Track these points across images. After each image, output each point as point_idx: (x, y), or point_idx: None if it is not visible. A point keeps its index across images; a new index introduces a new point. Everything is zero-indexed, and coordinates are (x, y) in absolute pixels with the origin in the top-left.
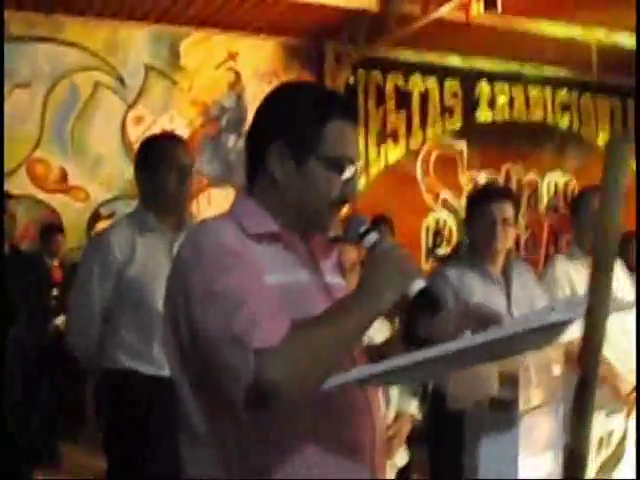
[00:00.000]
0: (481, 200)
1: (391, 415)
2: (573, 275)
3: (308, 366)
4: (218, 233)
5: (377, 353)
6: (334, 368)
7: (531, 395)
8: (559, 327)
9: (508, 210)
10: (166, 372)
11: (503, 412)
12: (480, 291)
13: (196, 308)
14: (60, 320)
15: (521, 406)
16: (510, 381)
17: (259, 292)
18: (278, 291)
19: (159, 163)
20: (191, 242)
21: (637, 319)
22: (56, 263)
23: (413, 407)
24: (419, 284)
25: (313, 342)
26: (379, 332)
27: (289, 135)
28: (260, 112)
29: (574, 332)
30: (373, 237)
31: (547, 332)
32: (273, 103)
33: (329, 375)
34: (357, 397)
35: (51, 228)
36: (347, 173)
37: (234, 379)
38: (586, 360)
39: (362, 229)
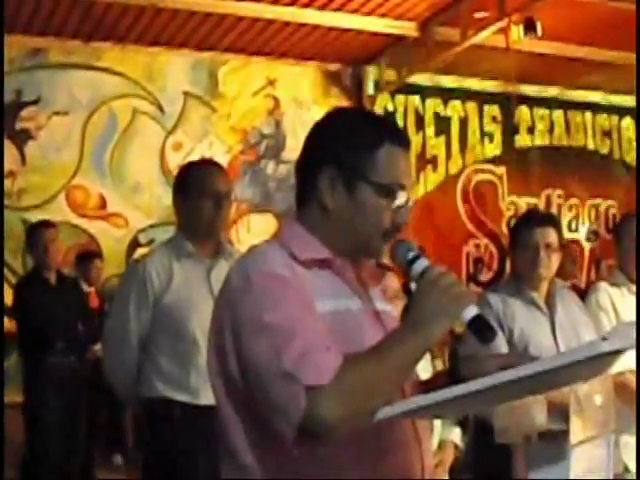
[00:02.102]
0: (524, 226)
1: (434, 444)
2: (617, 301)
3: (360, 402)
4: (267, 261)
5: (422, 390)
6: (385, 401)
7: (581, 426)
8: (610, 357)
9: (551, 236)
10: (203, 400)
11: (553, 443)
12: (524, 318)
13: (245, 340)
14: (97, 347)
15: (573, 437)
16: (560, 412)
17: (310, 323)
18: (329, 319)
19: (196, 190)
20: (240, 270)
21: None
22: (92, 290)
23: (456, 436)
24: (472, 311)
25: (366, 377)
26: (423, 370)
27: (340, 161)
28: (311, 137)
29: (625, 363)
30: (422, 263)
31: (598, 362)
32: (324, 128)
33: (380, 408)
34: (406, 429)
35: (88, 255)
36: (399, 200)
37: (284, 416)
38: None
39: (410, 255)
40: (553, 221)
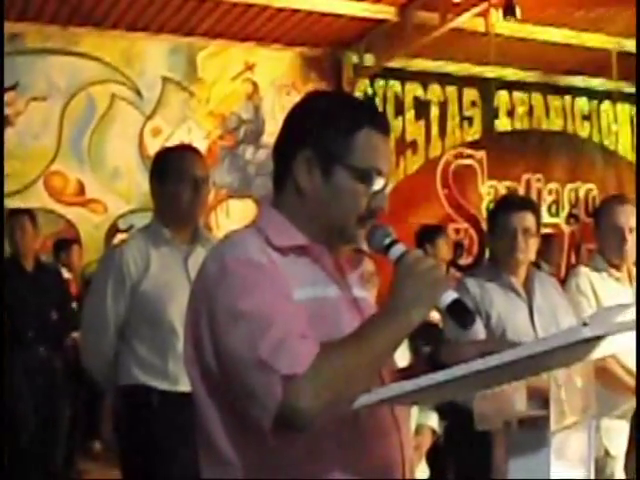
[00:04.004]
0: (501, 210)
1: (412, 429)
2: (597, 286)
3: (338, 391)
4: (243, 248)
5: (400, 377)
6: (363, 389)
7: (561, 412)
8: (591, 343)
9: (529, 220)
10: (181, 387)
11: (533, 430)
12: (501, 303)
13: (221, 328)
14: (77, 334)
15: (553, 423)
16: (540, 398)
17: (287, 311)
18: (306, 306)
19: (172, 175)
20: (216, 258)
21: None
22: (70, 276)
23: (433, 421)
24: (450, 296)
25: (343, 366)
26: (402, 358)
27: (316, 144)
28: (288, 120)
29: (606, 349)
30: (399, 249)
31: (578, 349)
32: (301, 111)
33: (358, 396)
34: (384, 417)
35: (66, 241)
36: (376, 185)
37: (261, 406)
38: None
39: (387, 241)
40: (531, 206)
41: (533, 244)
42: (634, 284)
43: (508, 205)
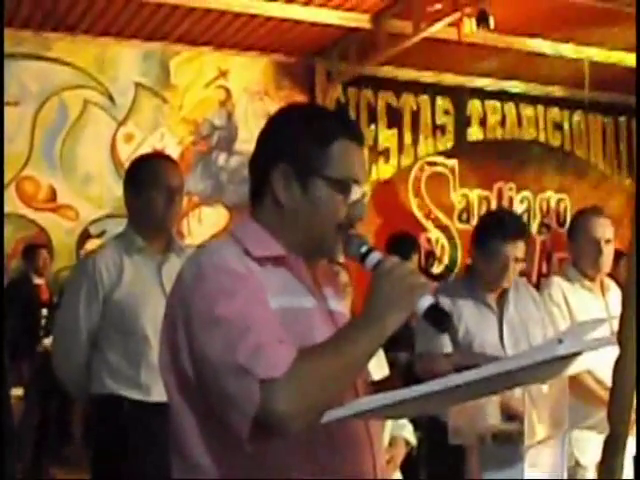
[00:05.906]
0: (496, 236)
1: (386, 440)
2: (569, 296)
3: (315, 396)
4: (221, 256)
5: (375, 390)
6: (339, 396)
7: (535, 427)
8: (566, 360)
9: (521, 249)
10: (153, 397)
11: (507, 445)
12: (471, 317)
13: (198, 334)
14: (49, 341)
15: (527, 438)
16: (514, 413)
17: (264, 317)
18: (281, 316)
19: (147, 184)
20: (193, 264)
21: (637, 323)
22: (41, 282)
23: (408, 432)
24: (427, 301)
25: (320, 371)
26: (379, 369)
27: (293, 157)
28: (264, 133)
29: (582, 364)
30: (376, 256)
31: (553, 365)
32: (277, 124)
33: (335, 403)
34: (358, 430)
35: (34, 246)
36: (354, 195)
37: (238, 411)
38: (616, 415)
39: (364, 249)
40: (524, 232)
41: (519, 268)
42: (607, 295)
43: (504, 232)
